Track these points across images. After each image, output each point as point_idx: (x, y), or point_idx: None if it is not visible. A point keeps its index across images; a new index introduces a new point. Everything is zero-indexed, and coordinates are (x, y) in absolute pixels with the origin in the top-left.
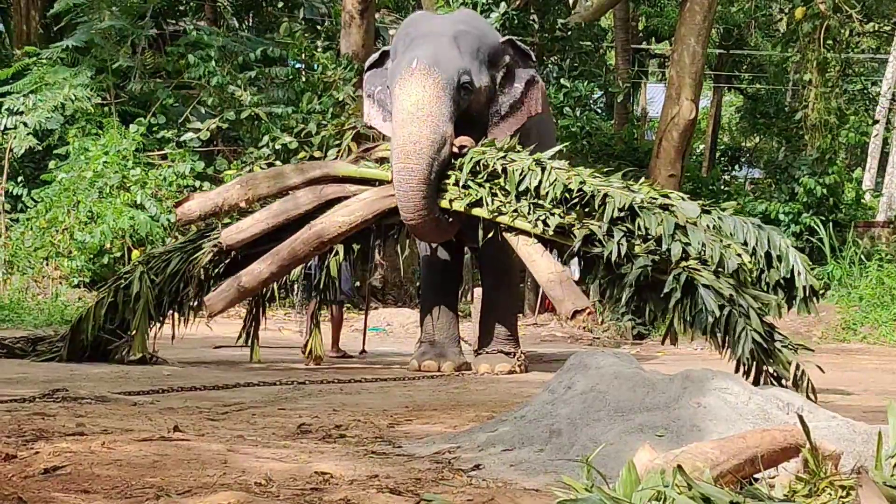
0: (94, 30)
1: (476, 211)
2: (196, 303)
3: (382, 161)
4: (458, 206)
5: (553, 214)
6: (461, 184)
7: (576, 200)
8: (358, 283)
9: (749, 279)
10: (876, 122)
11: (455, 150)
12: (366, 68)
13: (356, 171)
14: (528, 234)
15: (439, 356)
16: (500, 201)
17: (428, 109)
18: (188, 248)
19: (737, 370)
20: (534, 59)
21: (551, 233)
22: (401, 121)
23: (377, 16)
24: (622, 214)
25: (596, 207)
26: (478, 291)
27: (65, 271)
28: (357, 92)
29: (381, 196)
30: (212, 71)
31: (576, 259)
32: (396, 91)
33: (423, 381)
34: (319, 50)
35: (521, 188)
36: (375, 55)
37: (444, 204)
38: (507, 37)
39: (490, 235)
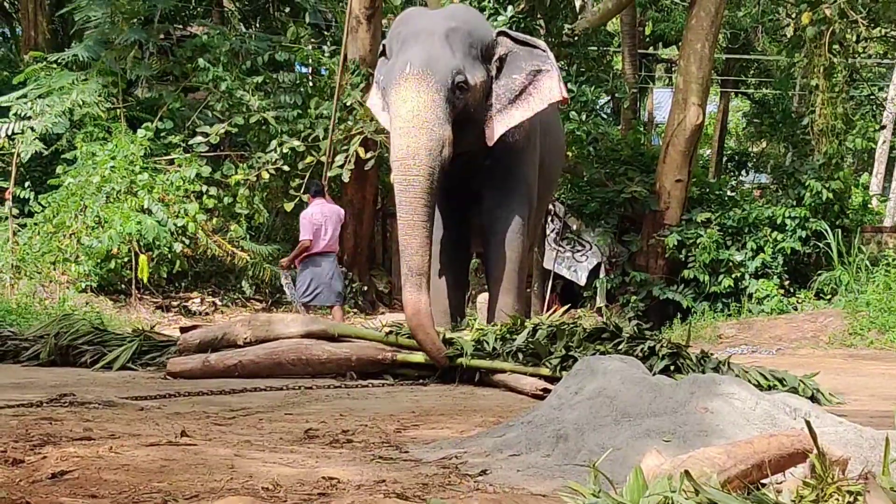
0: (110, 43)
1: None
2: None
3: None
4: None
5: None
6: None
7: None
8: (366, 288)
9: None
10: (883, 127)
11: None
12: (379, 54)
13: (354, 331)
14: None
15: None
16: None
17: (424, 116)
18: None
19: None
20: (542, 47)
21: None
22: (398, 130)
23: (384, 21)
24: None
25: None
26: (483, 296)
27: (72, 276)
28: (365, 97)
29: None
30: (220, 76)
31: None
32: (392, 97)
33: (430, 386)
34: (326, 55)
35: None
36: (384, 45)
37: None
38: (499, 29)
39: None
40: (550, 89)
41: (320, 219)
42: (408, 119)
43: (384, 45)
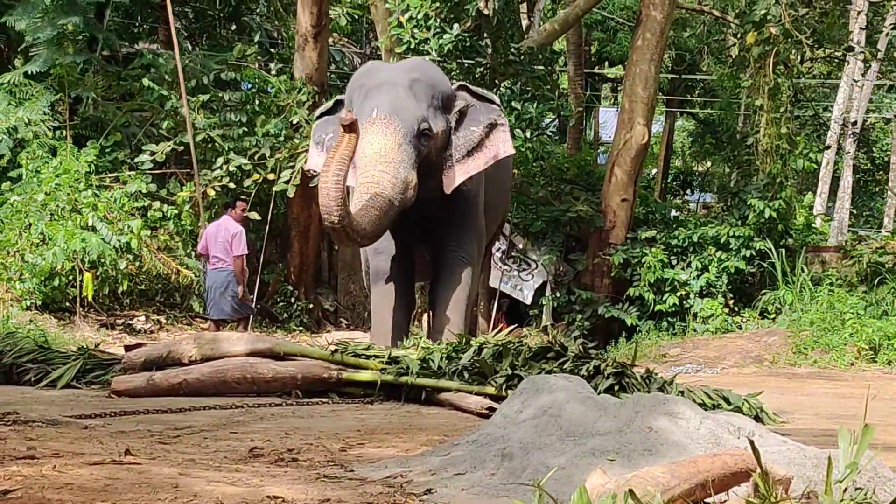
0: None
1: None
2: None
3: None
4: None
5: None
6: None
7: None
8: (311, 307)
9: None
10: (827, 147)
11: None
12: (316, 116)
13: (300, 350)
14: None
15: None
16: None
17: (390, 157)
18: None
19: None
20: (496, 102)
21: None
22: (363, 165)
23: (329, 40)
24: None
25: None
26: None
27: (16, 294)
28: (311, 115)
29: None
30: (165, 95)
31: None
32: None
33: (376, 404)
34: (273, 73)
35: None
36: (328, 104)
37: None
38: (460, 82)
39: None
40: (504, 143)
41: (211, 233)
42: (374, 158)
43: (325, 107)
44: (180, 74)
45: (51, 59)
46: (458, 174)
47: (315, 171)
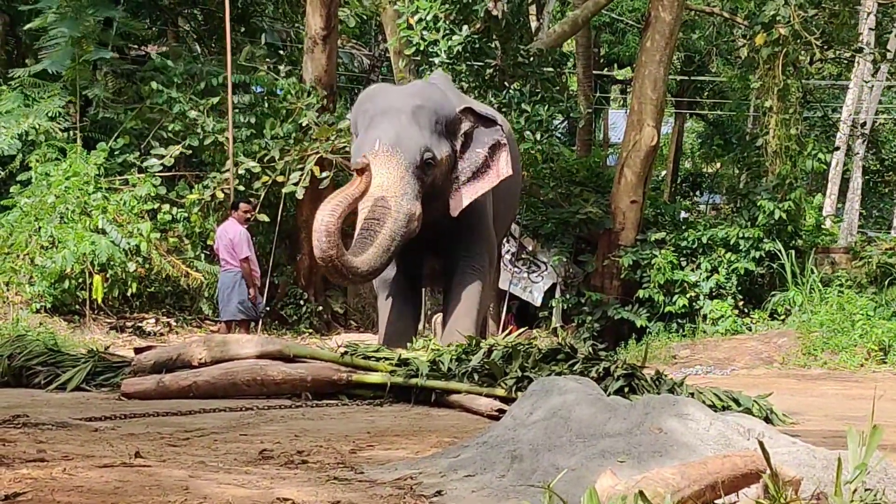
0: (72, 59)
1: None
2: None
3: None
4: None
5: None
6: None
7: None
8: (321, 309)
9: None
10: (837, 148)
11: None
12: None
13: (310, 352)
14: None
15: None
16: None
17: (392, 191)
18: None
19: None
20: (498, 121)
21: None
22: (365, 200)
23: (338, 42)
24: None
25: None
26: (439, 317)
27: (26, 297)
28: (320, 117)
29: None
30: (174, 98)
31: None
32: None
33: (386, 406)
34: (283, 75)
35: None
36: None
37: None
38: (464, 104)
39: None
40: (507, 163)
41: (218, 235)
42: (376, 192)
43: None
44: (229, 102)
45: (67, 55)
46: (465, 197)
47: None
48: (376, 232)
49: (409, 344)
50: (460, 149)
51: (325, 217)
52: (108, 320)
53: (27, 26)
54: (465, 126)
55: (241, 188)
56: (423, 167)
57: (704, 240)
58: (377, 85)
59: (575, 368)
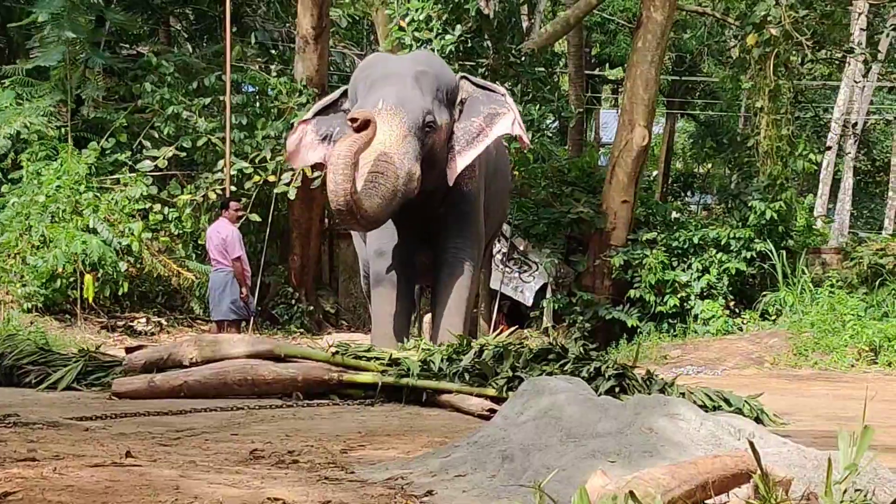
0: (65, 59)
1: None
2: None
3: None
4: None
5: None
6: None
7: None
8: (312, 308)
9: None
10: (828, 148)
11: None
12: (317, 110)
13: (301, 352)
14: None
15: None
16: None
17: (395, 148)
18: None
19: None
20: (500, 91)
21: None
22: (368, 155)
23: (330, 42)
24: None
25: None
26: (429, 317)
27: (17, 296)
28: None
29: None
30: (167, 98)
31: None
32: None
33: (377, 406)
34: (274, 75)
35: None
36: (332, 95)
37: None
38: (461, 74)
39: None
40: (502, 126)
41: (208, 235)
42: (378, 149)
43: (325, 101)
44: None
45: (60, 55)
46: (460, 163)
47: (319, 163)
48: (380, 185)
49: (402, 342)
50: (457, 117)
51: (343, 151)
52: (100, 320)
53: (17, 23)
54: (463, 94)
55: (233, 188)
56: (424, 130)
57: (695, 240)
58: (377, 53)
59: (566, 368)
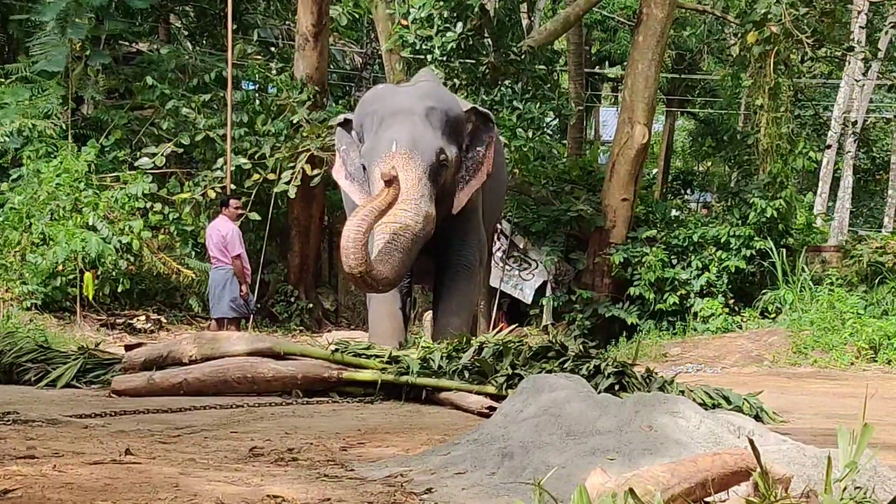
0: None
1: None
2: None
3: None
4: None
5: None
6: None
7: None
8: (311, 306)
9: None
10: (828, 146)
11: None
12: (337, 124)
13: (300, 349)
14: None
15: None
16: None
17: (412, 193)
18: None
19: None
20: (491, 118)
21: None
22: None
23: (330, 39)
24: None
25: None
26: (430, 314)
27: (16, 293)
28: (311, 115)
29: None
30: (167, 93)
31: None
32: (377, 174)
33: (377, 404)
34: (273, 72)
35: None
36: (340, 118)
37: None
38: (470, 105)
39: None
40: (491, 156)
41: (208, 233)
42: (396, 195)
43: (340, 119)
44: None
45: (62, 55)
46: (464, 194)
47: (335, 178)
48: (400, 236)
49: (400, 341)
50: (466, 149)
51: (352, 233)
52: (99, 317)
53: (16, 17)
54: (470, 126)
55: (233, 186)
56: (439, 169)
57: (695, 238)
58: (382, 86)
59: (565, 366)
